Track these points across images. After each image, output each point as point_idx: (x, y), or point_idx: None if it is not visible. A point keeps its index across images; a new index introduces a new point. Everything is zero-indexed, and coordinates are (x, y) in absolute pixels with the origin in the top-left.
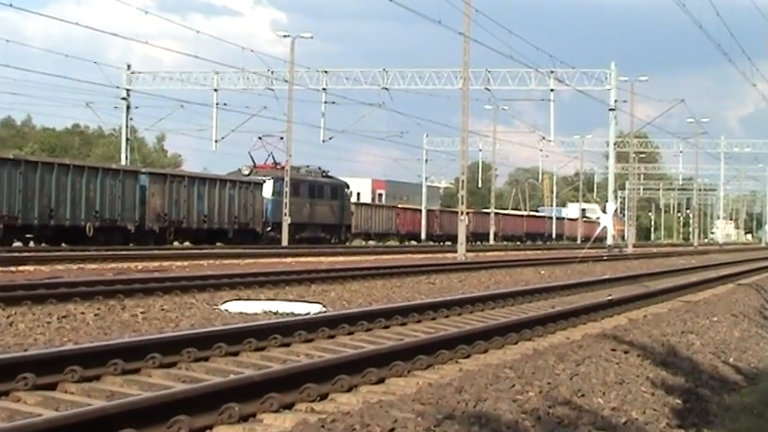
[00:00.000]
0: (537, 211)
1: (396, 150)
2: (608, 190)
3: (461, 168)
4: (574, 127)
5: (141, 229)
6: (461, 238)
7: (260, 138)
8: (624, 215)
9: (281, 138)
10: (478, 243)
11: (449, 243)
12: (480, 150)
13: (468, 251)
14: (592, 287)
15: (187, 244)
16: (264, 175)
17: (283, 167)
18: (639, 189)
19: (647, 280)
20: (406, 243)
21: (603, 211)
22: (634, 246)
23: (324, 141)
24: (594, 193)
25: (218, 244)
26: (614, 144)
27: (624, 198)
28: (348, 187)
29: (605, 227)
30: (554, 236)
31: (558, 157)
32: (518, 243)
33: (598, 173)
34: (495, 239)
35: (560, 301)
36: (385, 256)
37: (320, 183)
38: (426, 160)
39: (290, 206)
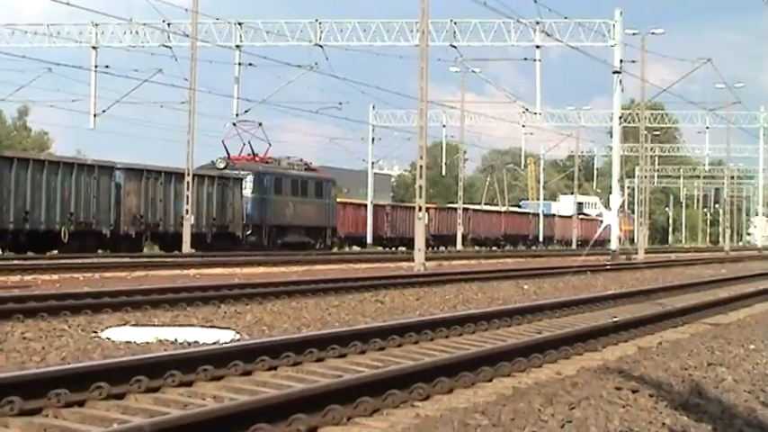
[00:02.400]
0: (519, 206)
1: (332, 126)
2: (612, 178)
3: (419, 150)
4: (567, 96)
5: (116, 233)
6: (419, 241)
7: (234, 124)
8: (633, 211)
9: (260, 124)
10: (442, 249)
11: (403, 249)
12: (444, 126)
13: (428, 259)
14: (591, 306)
15: (156, 251)
16: (241, 169)
17: (263, 159)
18: (653, 177)
19: (663, 296)
20: (347, 249)
21: (606, 205)
22: (647, 251)
23: (238, 115)
24: (594, 183)
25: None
26: (620, 118)
27: (633, 189)
28: (334, 183)
29: (608, 226)
30: (541, 239)
31: (546, 135)
32: (494, 248)
33: (599, 155)
34: (463, 244)
35: (549, 324)
36: (318, 267)
37: (304, 178)
38: (373, 140)
39: (272, 205)
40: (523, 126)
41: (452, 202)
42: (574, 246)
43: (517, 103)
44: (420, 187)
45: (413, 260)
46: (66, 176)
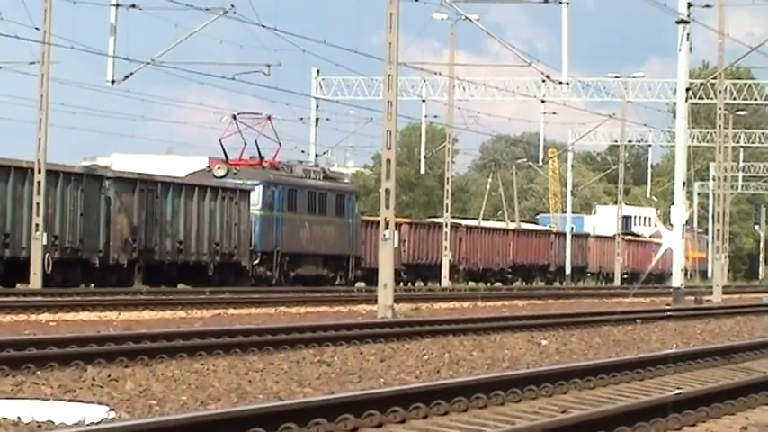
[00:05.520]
0: (535, 221)
1: (256, 100)
2: (675, 180)
3: (386, 137)
4: (607, 58)
5: (105, 261)
6: (386, 274)
7: (234, 116)
8: (707, 230)
9: (269, 117)
10: (420, 285)
11: (360, 284)
12: (424, 101)
13: (399, 300)
14: (641, 372)
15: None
16: (248, 178)
17: (272, 164)
18: (737, 178)
19: (749, 357)
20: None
21: (666, 221)
22: (725, 290)
23: (114, 82)
24: (648, 188)
25: (179, 286)
26: (687, 90)
27: (707, 196)
28: (358, 197)
29: (669, 252)
30: (568, 270)
31: (575, 115)
32: (498, 284)
33: (656, 146)
34: (452, 278)
35: (579, 398)
36: (234, 310)
37: (323, 189)
38: (317, 120)
39: (285, 226)
40: (543, 101)
41: (436, 215)
42: (617, 281)
43: (534, 68)
44: (387, 192)
45: (375, 301)
46: (51, 188)
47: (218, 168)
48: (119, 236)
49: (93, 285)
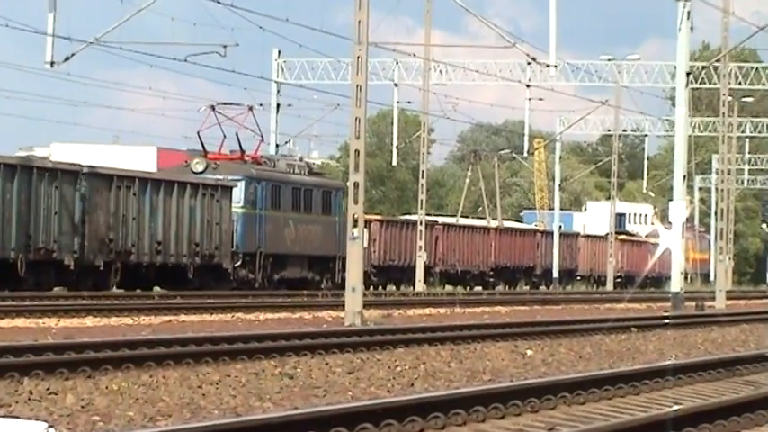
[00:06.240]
0: (520, 219)
1: (211, 85)
2: (674, 174)
3: (355, 126)
4: (598, 39)
5: (80, 263)
6: (354, 277)
7: (213, 107)
8: (709, 229)
9: (251, 108)
10: (392, 289)
11: (328, 287)
12: (396, 86)
13: (369, 305)
14: (637, 385)
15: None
16: (228, 173)
17: (254, 158)
18: (743, 172)
19: (756, 370)
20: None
21: (664, 219)
22: (730, 295)
23: (54, 64)
24: (644, 182)
25: (156, 289)
26: (688, 74)
27: (709, 191)
28: (345, 193)
29: (667, 252)
30: (556, 273)
31: (563, 101)
32: (477, 288)
33: (653, 136)
34: (427, 281)
35: (567, 414)
36: (186, 316)
37: (308, 186)
38: (279, 107)
39: (268, 225)
40: (528, 86)
41: (409, 212)
42: (610, 285)
43: (518, 49)
44: (356, 186)
45: (342, 307)
46: (23, 185)
47: (197, 163)
48: (95, 236)
49: (66, 288)
